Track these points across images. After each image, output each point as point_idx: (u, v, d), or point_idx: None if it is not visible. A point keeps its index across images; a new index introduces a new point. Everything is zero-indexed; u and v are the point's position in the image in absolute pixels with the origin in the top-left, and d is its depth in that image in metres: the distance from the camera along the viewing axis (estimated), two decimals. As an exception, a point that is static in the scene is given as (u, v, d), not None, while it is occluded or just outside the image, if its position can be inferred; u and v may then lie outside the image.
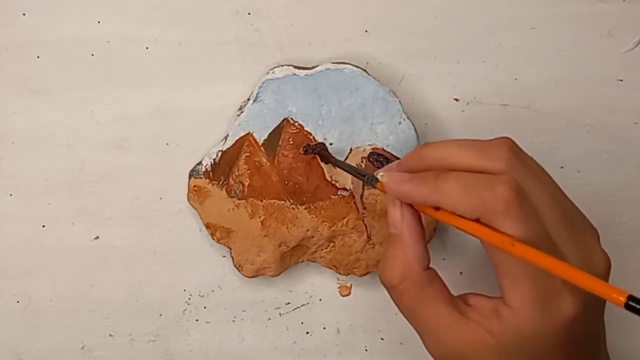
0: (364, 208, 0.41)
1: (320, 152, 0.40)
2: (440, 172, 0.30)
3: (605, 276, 0.30)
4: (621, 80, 0.42)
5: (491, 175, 0.29)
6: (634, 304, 0.24)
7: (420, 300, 0.31)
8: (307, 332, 0.44)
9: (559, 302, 0.28)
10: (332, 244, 0.41)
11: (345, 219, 0.41)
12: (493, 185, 0.28)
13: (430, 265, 0.32)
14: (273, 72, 0.40)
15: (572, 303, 0.28)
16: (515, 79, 0.42)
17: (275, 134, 0.40)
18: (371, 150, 0.40)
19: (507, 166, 0.29)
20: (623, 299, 0.24)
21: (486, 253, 0.29)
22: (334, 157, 0.39)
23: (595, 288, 0.25)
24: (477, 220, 0.29)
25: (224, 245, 0.41)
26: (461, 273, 0.43)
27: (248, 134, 0.40)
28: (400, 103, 0.40)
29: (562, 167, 0.42)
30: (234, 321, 0.43)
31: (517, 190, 0.28)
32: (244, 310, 0.43)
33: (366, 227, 0.41)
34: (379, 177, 0.32)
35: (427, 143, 0.32)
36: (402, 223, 0.31)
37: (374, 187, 0.34)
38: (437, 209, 0.30)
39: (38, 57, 0.42)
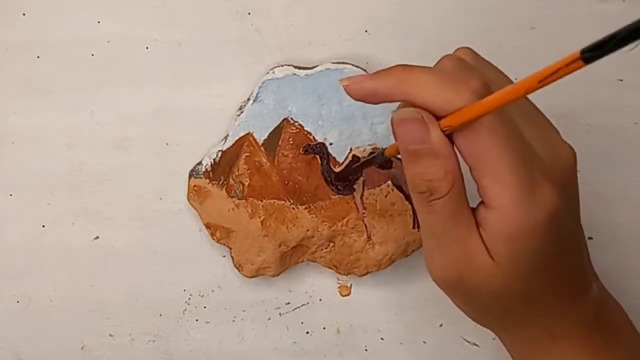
0: (364, 208, 0.41)
1: (321, 151, 0.40)
2: (407, 65, 0.29)
3: (572, 165, 0.31)
4: (621, 80, 0.42)
5: (463, 71, 0.29)
6: (590, 53, 0.22)
7: (462, 205, 0.29)
8: (307, 332, 0.44)
9: (540, 193, 0.28)
10: (332, 244, 0.41)
11: (345, 219, 0.41)
12: (467, 81, 0.28)
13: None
14: (273, 72, 0.40)
15: (552, 193, 0.28)
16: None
17: (275, 134, 0.40)
18: (371, 150, 0.40)
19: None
20: (579, 55, 0.23)
21: (466, 161, 0.28)
22: (345, 169, 0.39)
23: (554, 67, 0.24)
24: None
25: (224, 245, 0.41)
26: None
27: (248, 134, 0.40)
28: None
29: (562, 167, 0.42)
30: (234, 321, 0.43)
31: (486, 85, 0.28)
32: (244, 310, 0.43)
33: (366, 227, 0.41)
34: (337, 83, 0.30)
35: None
36: (429, 133, 0.28)
37: (385, 157, 0.33)
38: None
39: (38, 57, 0.42)
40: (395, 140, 0.30)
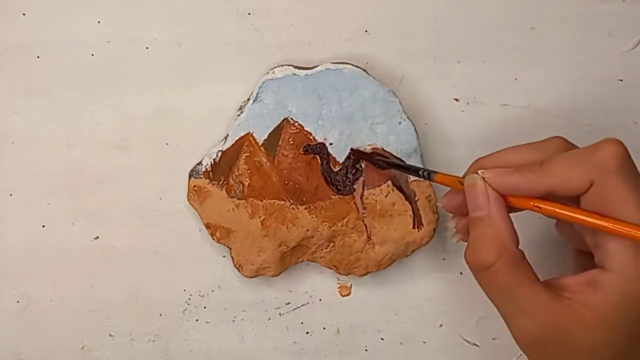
0: (364, 208, 0.41)
1: (321, 151, 0.40)
2: (544, 159, 0.31)
3: None
4: (621, 80, 0.42)
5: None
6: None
7: (517, 279, 0.30)
8: (307, 332, 0.44)
9: None
10: (332, 244, 0.41)
11: (345, 219, 0.41)
12: (600, 148, 0.29)
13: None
14: (273, 72, 0.40)
15: None
16: (515, 79, 0.42)
17: (275, 134, 0.40)
18: (371, 150, 0.40)
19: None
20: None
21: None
22: (389, 161, 0.40)
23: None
24: (588, 191, 0.29)
25: (224, 245, 0.41)
26: (461, 273, 0.43)
27: (248, 134, 0.40)
28: (400, 103, 0.40)
29: (562, 167, 0.42)
30: (234, 321, 0.43)
31: (624, 147, 0.29)
32: (244, 310, 0.43)
33: (366, 227, 0.41)
34: (479, 173, 0.32)
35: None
36: (488, 203, 0.31)
37: (431, 180, 0.34)
38: (538, 207, 0.30)
39: (38, 57, 0.42)
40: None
